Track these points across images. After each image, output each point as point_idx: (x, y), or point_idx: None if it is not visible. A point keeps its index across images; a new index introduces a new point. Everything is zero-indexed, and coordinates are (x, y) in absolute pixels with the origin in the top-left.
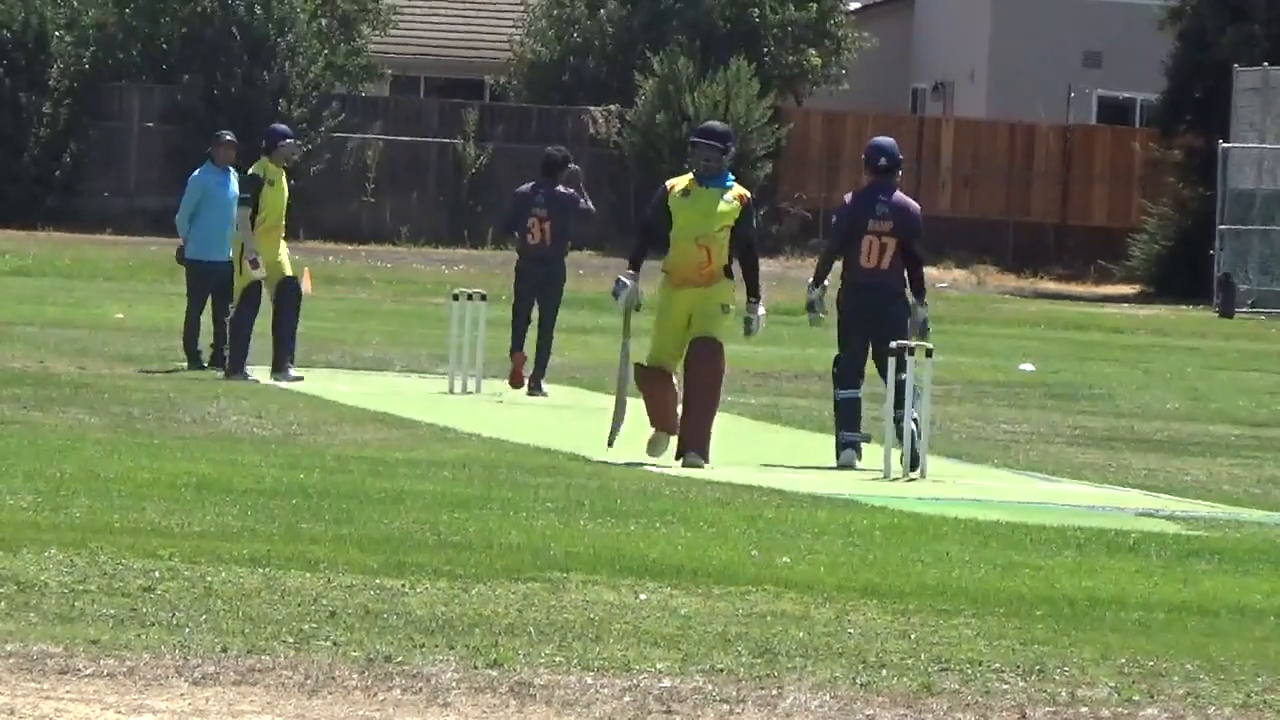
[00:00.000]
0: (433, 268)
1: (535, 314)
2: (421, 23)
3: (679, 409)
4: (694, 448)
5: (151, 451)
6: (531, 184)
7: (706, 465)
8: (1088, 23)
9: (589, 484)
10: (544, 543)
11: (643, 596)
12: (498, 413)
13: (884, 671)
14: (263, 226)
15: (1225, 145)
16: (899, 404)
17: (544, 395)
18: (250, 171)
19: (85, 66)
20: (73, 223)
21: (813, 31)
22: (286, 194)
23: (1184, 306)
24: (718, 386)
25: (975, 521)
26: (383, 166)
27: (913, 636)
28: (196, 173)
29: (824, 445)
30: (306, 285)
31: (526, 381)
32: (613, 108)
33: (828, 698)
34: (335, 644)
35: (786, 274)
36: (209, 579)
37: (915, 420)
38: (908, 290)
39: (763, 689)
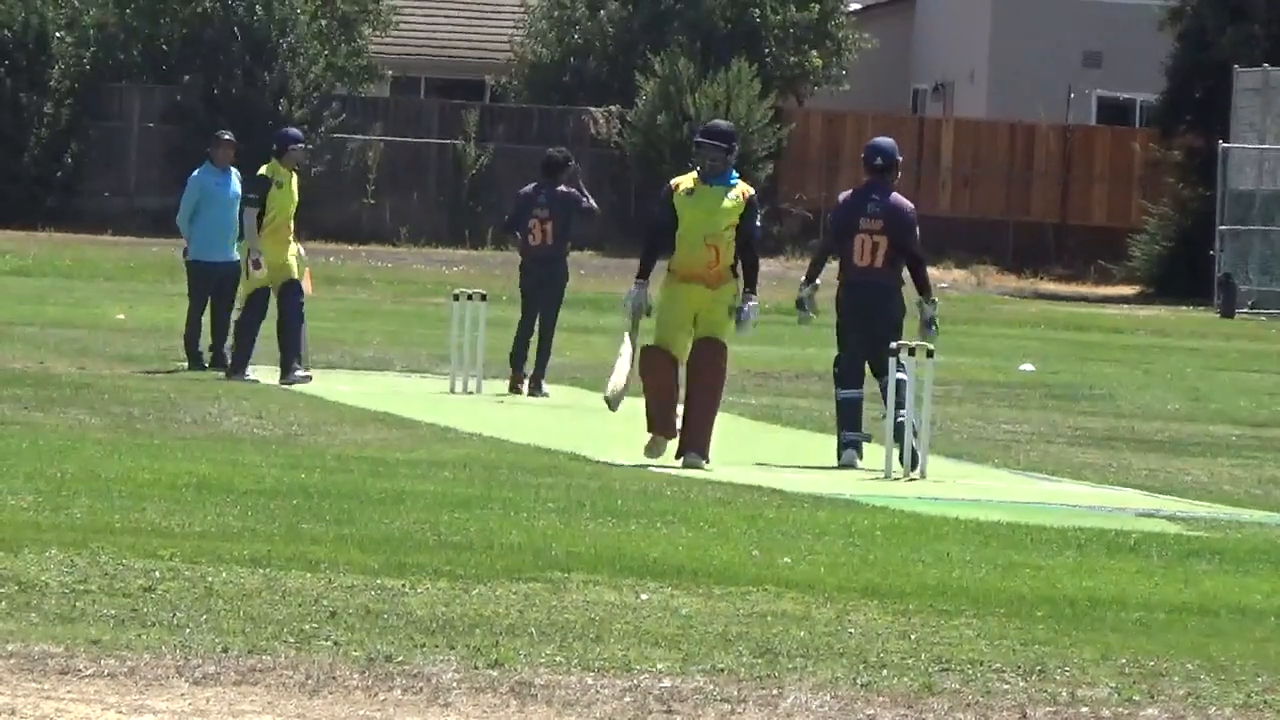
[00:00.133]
0: (433, 268)
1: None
2: (421, 23)
3: (678, 411)
4: (694, 448)
5: (152, 452)
6: (533, 185)
7: (707, 465)
8: (1088, 23)
9: (590, 484)
10: (545, 543)
11: (644, 596)
12: (498, 413)
13: (885, 671)
14: (269, 227)
15: (1225, 145)
16: (900, 404)
17: (545, 395)
18: (260, 172)
19: (86, 67)
20: (73, 223)
21: (813, 32)
22: (296, 197)
23: (1184, 307)
24: (719, 387)
25: (975, 521)
26: (383, 167)
27: (913, 636)
28: (196, 173)
29: (825, 445)
30: (307, 286)
31: (526, 382)
32: (613, 108)
33: (828, 698)
34: (336, 644)
35: (787, 274)
36: (210, 579)
37: (907, 420)
38: (907, 289)
39: (763, 689)
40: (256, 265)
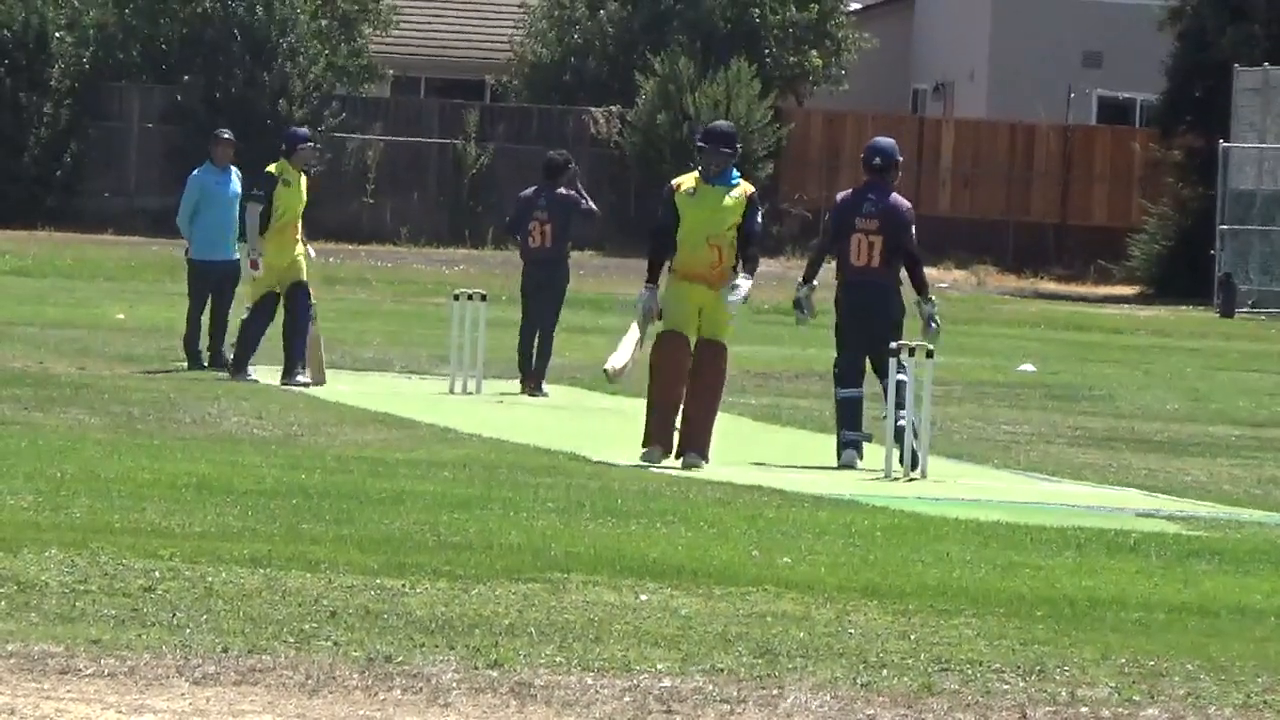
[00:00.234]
0: (433, 268)
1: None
2: (421, 23)
3: (676, 424)
4: (694, 449)
5: (152, 452)
6: (533, 188)
7: (706, 466)
8: (1088, 23)
9: (589, 484)
10: (544, 543)
11: (643, 597)
12: (498, 413)
13: (884, 672)
14: (276, 226)
15: (1225, 145)
16: (900, 404)
17: (544, 395)
18: (268, 170)
19: (85, 67)
20: (73, 223)
21: (813, 32)
22: (305, 197)
23: (1184, 307)
24: (719, 389)
25: (975, 521)
26: (383, 167)
27: (913, 637)
28: (195, 172)
29: (825, 445)
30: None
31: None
32: (613, 108)
33: (828, 698)
34: (336, 644)
35: (787, 274)
36: (210, 579)
37: (907, 420)
38: (906, 289)
39: (763, 689)
40: (254, 265)
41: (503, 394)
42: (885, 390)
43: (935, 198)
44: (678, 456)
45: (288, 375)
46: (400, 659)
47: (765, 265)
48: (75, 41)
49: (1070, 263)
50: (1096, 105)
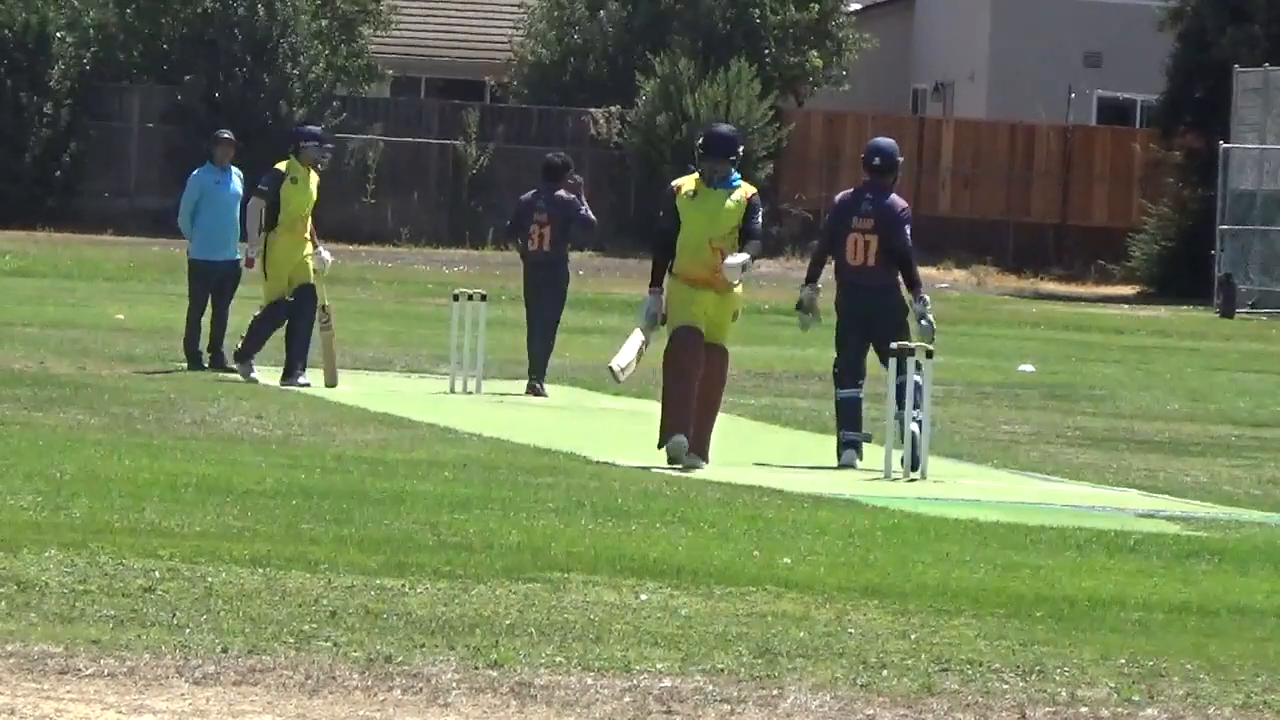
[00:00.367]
0: (433, 268)
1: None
2: (421, 23)
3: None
4: (694, 449)
5: (151, 452)
6: (533, 191)
7: (705, 467)
8: (1088, 23)
9: (589, 484)
10: (544, 543)
11: (643, 597)
12: (498, 413)
13: (884, 672)
14: (284, 224)
15: (1225, 145)
16: (900, 404)
17: (544, 396)
18: (276, 166)
19: (86, 67)
20: (73, 223)
21: (813, 32)
22: (315, 196)
23: (1184, 307)
24: (720, 392)
25: (975, 522)
26: (383, 167)
27: (913, 637)
28: (196, 172)
29: (825, 445)
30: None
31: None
32: (613, 109)
33: (828, 698)
34: (336, 644)
35: (787, 274)
36: (209, 579)
37: (918, 422)
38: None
39: (763, 689)
40: (249, 264)
41: (503, 394)
42: (897, 390)
43: (935, 198)
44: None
45: (288, 376)
46: (400, 659)
47: (765, 265)
48: (75, 41)
49: (1070, 263)
50: (1096, 105)
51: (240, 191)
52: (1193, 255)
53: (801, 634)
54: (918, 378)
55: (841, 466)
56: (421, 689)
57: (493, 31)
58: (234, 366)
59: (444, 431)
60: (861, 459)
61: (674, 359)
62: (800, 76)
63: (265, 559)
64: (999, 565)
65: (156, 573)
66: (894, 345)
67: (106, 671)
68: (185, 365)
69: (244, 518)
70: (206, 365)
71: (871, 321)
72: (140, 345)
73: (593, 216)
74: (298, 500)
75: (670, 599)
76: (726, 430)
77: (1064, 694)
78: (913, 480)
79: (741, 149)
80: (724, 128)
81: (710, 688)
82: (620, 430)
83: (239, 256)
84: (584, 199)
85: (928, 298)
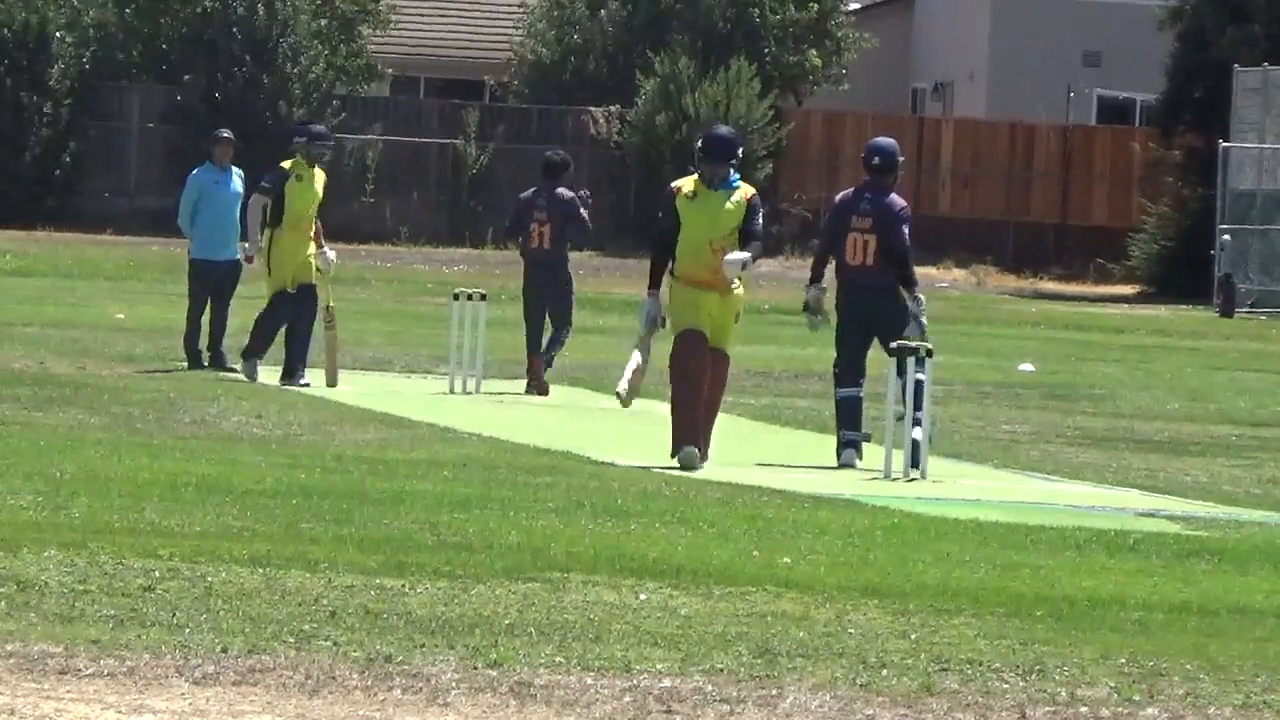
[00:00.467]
0: (433, 268)
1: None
2: (421, 23)
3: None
4: (689, 441)
5: (151, 451)
6: (533, 189)
7: (705, 467)
8: (1088, 23)
9: (589, 484)
10: (544, 543)
11: (643, 596)
12: (498, 413)
13: (884, 672)
14: (287, 223)
15: (1225, 145)
16: (915, 409)
17: (545, 388)
18: (281, 164)
19: (86, 66)
20: (73, 223)
21: (813, 32)
22: (320, 194)
23: (1184, 306)
24: (721, 395)
25: (975, 521)
26: (383, 167)
27: (913, 636)
28: (195, 171)
29: (824, 445)
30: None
31: (542, 372)
32: (613, 108)
33: (828, 698)
34: (335, 644)
35: (786, 274)
36: (209, 579)
37: (918, 422)
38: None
39: (763, 689)
40: (249, 260)
41: (503, 394)
42: (902, 392)
43: (935, 198)
44: (675, 456)
45: (288, 376)
46: (400, 659)
47: (765, 265)
48: (75, 41)
49: (1070, 263)
50: (1096, 105)
51: (240, 191)
52: (1192, 255)
53: (801, 634)
54: (920, 375)
55: (841, 466)
56: (421, 689)
57: (493, 31)
58: (236, 366)
59: (444, 431)
60: (861, 459)
61: (680, 363)
62: (800, 76)
63: (265, 559)
64: (999, 565)
65: (156, 572)
66: (894, 345)
67: (106, 671)
68: (185, 365)
69: (244, 518)
70: (206, 365)
71: (871, 321)
72: (140, 345)
73: (589, 225)
74: (298, 500)
75: (670, 599)
76: (726, 430)
77: (1064, 694)
78: (913, 480)
79: (741, 151)
80: (723, 130)
81: (710, 688)
82: (620, 430)
83: (239, 256)
84: (584, 206)
85: (922, 297)
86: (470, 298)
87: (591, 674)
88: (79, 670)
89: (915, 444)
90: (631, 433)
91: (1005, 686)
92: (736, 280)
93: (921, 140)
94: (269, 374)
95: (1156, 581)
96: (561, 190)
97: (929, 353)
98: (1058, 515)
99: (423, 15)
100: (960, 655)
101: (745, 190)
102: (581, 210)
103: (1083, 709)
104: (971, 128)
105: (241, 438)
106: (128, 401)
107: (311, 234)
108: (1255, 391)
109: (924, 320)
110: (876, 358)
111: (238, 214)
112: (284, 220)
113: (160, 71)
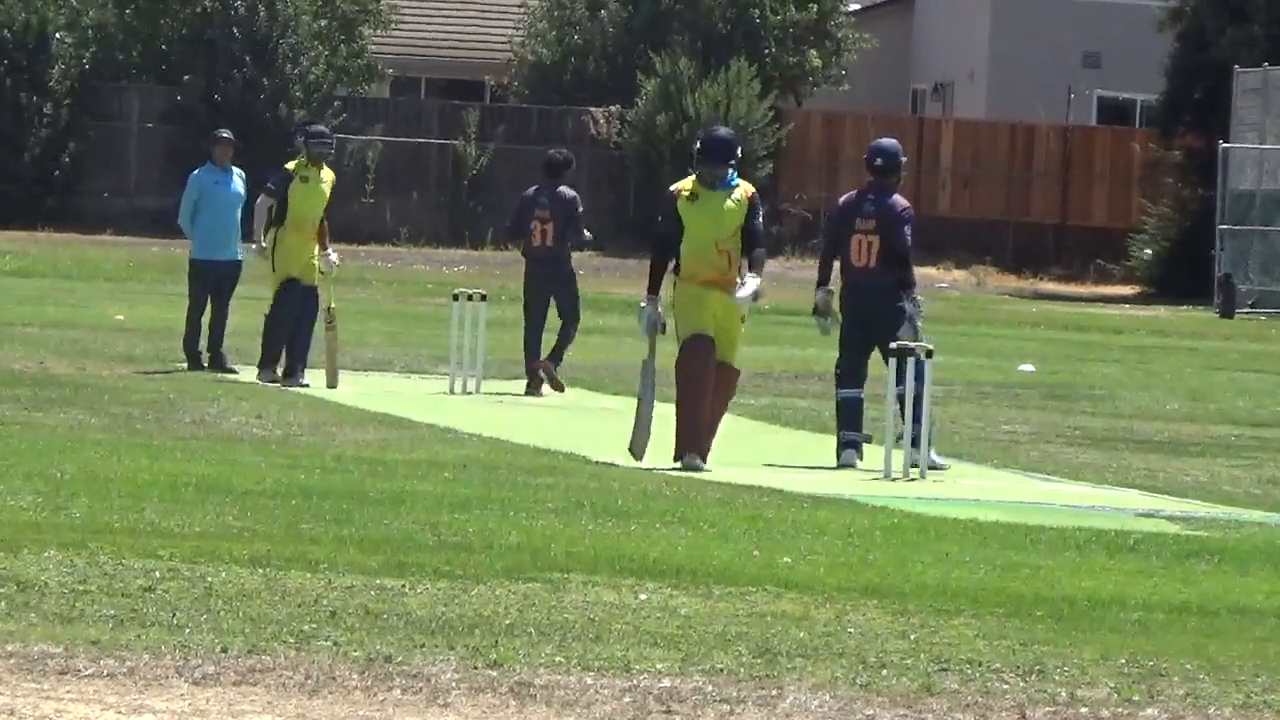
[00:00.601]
0: (433, 268)
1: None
2: (421, 23)
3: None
4: (694, 449)
5: (151, 452)
6: (534, 188)
7: (704, 468)
8: (1088, 23)
9: (589, 484)
10: (544, 543)
11: (643, 597)
12: (498, 413)
13: (884, 672)
14: (291, 224)
15: (1225, 146)
16: (915, 413)
17: (558, 385)
18: (286, 166)
19: (85, 67)
20: (73, 223)
21: (813, 32)
22: (326, 196)
23: (1184, 307)
24: (725, 406)
25: (975, 521)
26: (383, 167)
27: (913, 637)
28: (195, 172)
29: (824, 446)
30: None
31: (544, 375)
32: (613, 108)
33: (828, 698)
34: (335, 644)
35: (786, 274)
36: (209, 579)
37: (918, 421)
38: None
39: (763, 689)
40: (259, 252)
41: (503, 394)
42: (898, 396)
43: (935, 198)
44: (676, 458)
45: (289, 376)
46: (400, 659)
47: (766, 266)
48: (75, 41)
49: (1070, 263)
50: (1096, 105)
51: (241, 191)
52: (1192, 255)
53: (801, 634)
54: (915, 378)
55: (841, 466)
56: (421, 689)
57: (493, 31)
58: (235, 367)
59: (444, 431)
60: (861, 459)
61: (686, 367)
62: (800, 76)
63: (265, 559)
64: (999, 565)
65: (156, 573)
66: (893, 345)
67: (106, 671)
68: (185, 365)
69: (244, 518)
70: (206, 365)
71: (872, 322)
72: (140, 345)
73: (588, 236)
74: (298, 500)
75: (670, 599)
76: (727, 430)
77: (1064, 694)
78: (913, 480)
79: (740, 151)
80: (722, 131)
81: (710, 688)
82: (620, 430)
83: (240, 256)
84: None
85: (920, 298)
86: (470, 298)
87: (591, 674)
88: (79, 670)
89: (916, 443)
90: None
91: (1005, 687)
92: (747, 309)
93: (921, 141)
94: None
95: (1156, 582)
96: (563, 189)
97: (929, 353)
98: (1057, 515)
99: (423, 15)
100: (960, 655)
101: (745, 188)
102: (580, 211)
103: (1083, 709)
104: (971, 128)
105: (241, 438)
106: (128, 402)
107: (315, 235)
108: (1255, 392)
109: (918, 323)
110: (879, 358)
111: (238, 214)
112: (287, 222)
113: (160, 72)
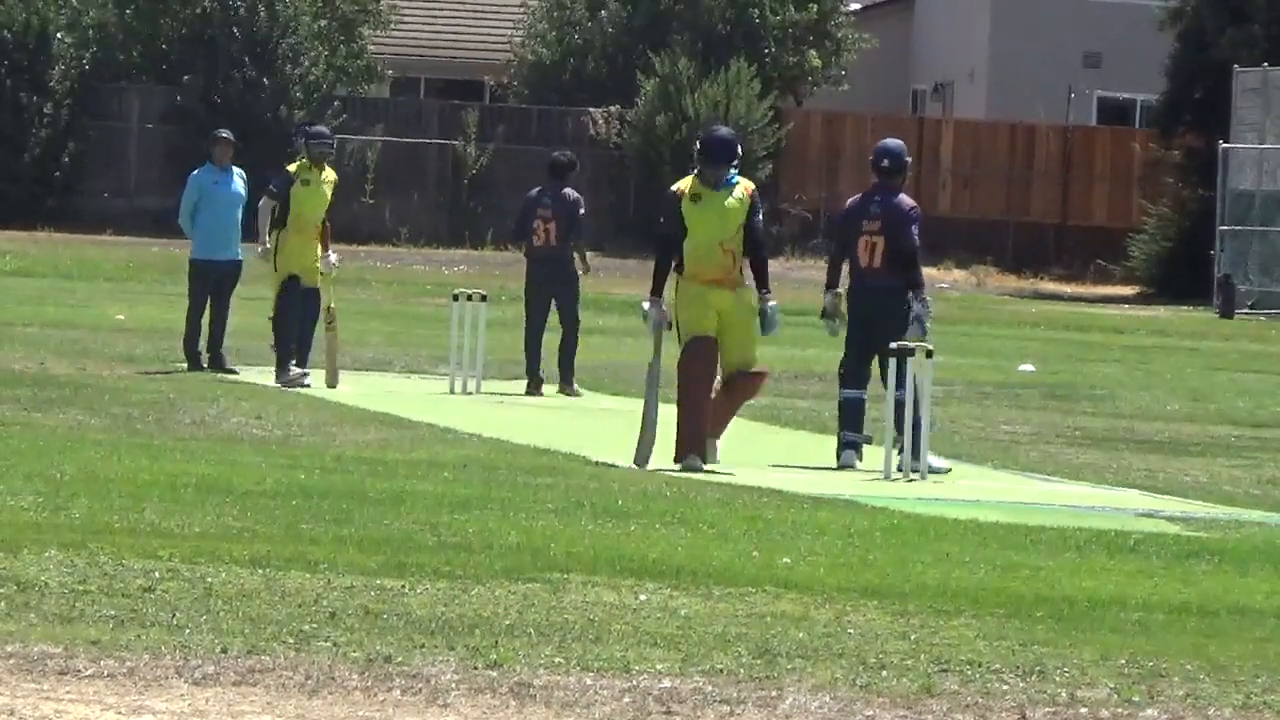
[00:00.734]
0: (433, 268)
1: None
2: (421, 23)
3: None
4: (694, 451)
5: (151, 452)
6: (539, 188)
7: (705, 468)
8: (1088, 23)
9: (589, 484)
10: (544, 543)
11: (643, 597)
12: (498, 413)
13: (884, 672)
14: (293, 226)
15: (1225, 146)
16: (899, 411)
17: (577, 395)
18: (287, 168)
19: (85, 67)
20: (73, 223)
21: (813, 32)
22: (328, 197)
23: (1184, 307)
24: (739, 406)
25: (975, 522)
26: (382, 167)
27: (913, 637)
28: (195, 172)
29: (824, 446)
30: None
31: (565, 394)
32: (613, 109)
33: (828, 699)
34: (335, 644)
35: (787, 274)
36: (209, 579)
37: (917, 426)
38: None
39: (763, 690)
40: (265, 255)
41: (503, 394)
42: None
43: (935, 198)
44: (676, 460)
45: (288, 375)
46: (400, 659)
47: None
48: (75, 42)
49: (1070, 263)
50: (1096, 105)
51: (241, 191)
52: (1192, 255)
53: (801, 634)
54: (911, 377)
55: (841, 467)
56: (421, 689)
57: (493, 31)
58: (235, 368)
59: (444, 432)
60: (861, 460)
61: (687, 368)
62: (799, 76)
63: (265, 559)
64: (999, 565)
65: (156, 573)
66: (893, 345)
67: (106, 672)
68: (185, 365)
69: (244, 518)
70: (206, 366)
71: (874, 323)
72: (140, 345)
73: (588, 267)
74: (298, 500)
75: (670, 599)
76: (727, 430)
77: (1064, 694)
78: (913, 480)
79: (740, 150)
80: (723, 131)
81: (709, 688)
82: (620, 430)
83: (240, 256)
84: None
85: (928, 299)
86: (470, 298)
87: (591, 674)
88: (79, 671)
89: (916, 442)
90: (632, 433)
91: (1005, 687)
92: (741, 275)
93: (921, 141)
94: (267, 374)
95: (1156, 582)
96: (567, 190)
97: (929, 354)
98: (1057, 516)
99: (423, 16)
100: (960, 656)
101: (745, 185)
102: (580, 212)
103: (1083, 710)
104: (971, 128)
105: (241, 438)
106: (128, 402)
107: (317, 236)
108: (1255, 392)
109: (926, 323)
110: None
111: (238, 214)
112: (289, 224)
113: (160, 72)
